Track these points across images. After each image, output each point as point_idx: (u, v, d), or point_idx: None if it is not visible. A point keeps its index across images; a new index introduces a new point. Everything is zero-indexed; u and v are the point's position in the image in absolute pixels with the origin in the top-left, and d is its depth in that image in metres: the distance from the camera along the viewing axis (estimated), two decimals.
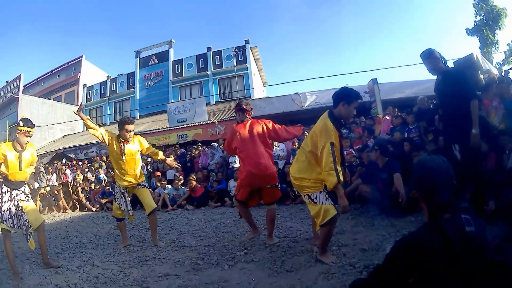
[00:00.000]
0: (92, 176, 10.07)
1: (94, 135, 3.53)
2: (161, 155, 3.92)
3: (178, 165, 4.51)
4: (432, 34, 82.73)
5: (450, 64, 4.63)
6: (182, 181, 7.47)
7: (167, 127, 14.02)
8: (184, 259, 3.04)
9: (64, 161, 12.60)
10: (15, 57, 79.46)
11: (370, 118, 7.70)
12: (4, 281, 2.90)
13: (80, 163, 12.14)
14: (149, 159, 9.15)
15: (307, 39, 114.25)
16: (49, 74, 25.32)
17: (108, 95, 21.36)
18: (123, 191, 3.71)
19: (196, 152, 9.04)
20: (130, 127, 3.55)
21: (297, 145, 6.48)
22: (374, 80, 9.49)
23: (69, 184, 9.50)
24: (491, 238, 1.34)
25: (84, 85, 22.57)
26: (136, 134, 3.75)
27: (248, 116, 3.42)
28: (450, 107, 3.11)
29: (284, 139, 3.67)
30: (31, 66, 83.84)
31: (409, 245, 1.20)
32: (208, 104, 16.13)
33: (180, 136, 12.97)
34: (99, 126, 3.63)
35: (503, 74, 7.39)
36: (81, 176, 10.09)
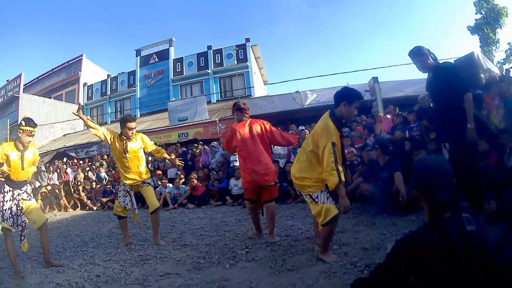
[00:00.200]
0: (93, 174, 10.08)
1: (96, 134, 3.53)
2: (164, 153, 3.92)
3: (181, 163, 4.51)
4: (432, 33, 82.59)
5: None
6: (183, 180, 7.47)
7: (168, 126, 14.03)
8: (185, 258, 3.05)
9: (65, 160, 12.62)
10: (15, 56, 79.80)
11: (371, 117, 7.68)
12: (6, 280, 2.90)
13: (81, 161, 12.16)
14: (149, 158, 9.14)
15: (307, 38, 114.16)
16: (49, 73, 25.28)
17: (109, 93, 21.39)
18: (128, 189, 3.71)
19: (197, 151, 9.02)
20: (132, 124, 3.56)
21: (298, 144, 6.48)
22: (375, 79, 9.46)
23: (70, 183, 9.52)
24: (491, 238, 1.34)
25: (84, 84, 22.58)
26: (137, 132, 3.75)
27: (246, 116, 3.46)
28: (442, 104, 2.94)
29: (278, 143, 3.65)
30: (32, 65, 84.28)
31: (410, 244, 1.21)
32: (208, 102, 16.17)
33: (181, 135, 13.00)
34: (100, 125, 3.64)
35: (503, 73, 7.37)
36: (82, 175, 10.12)
